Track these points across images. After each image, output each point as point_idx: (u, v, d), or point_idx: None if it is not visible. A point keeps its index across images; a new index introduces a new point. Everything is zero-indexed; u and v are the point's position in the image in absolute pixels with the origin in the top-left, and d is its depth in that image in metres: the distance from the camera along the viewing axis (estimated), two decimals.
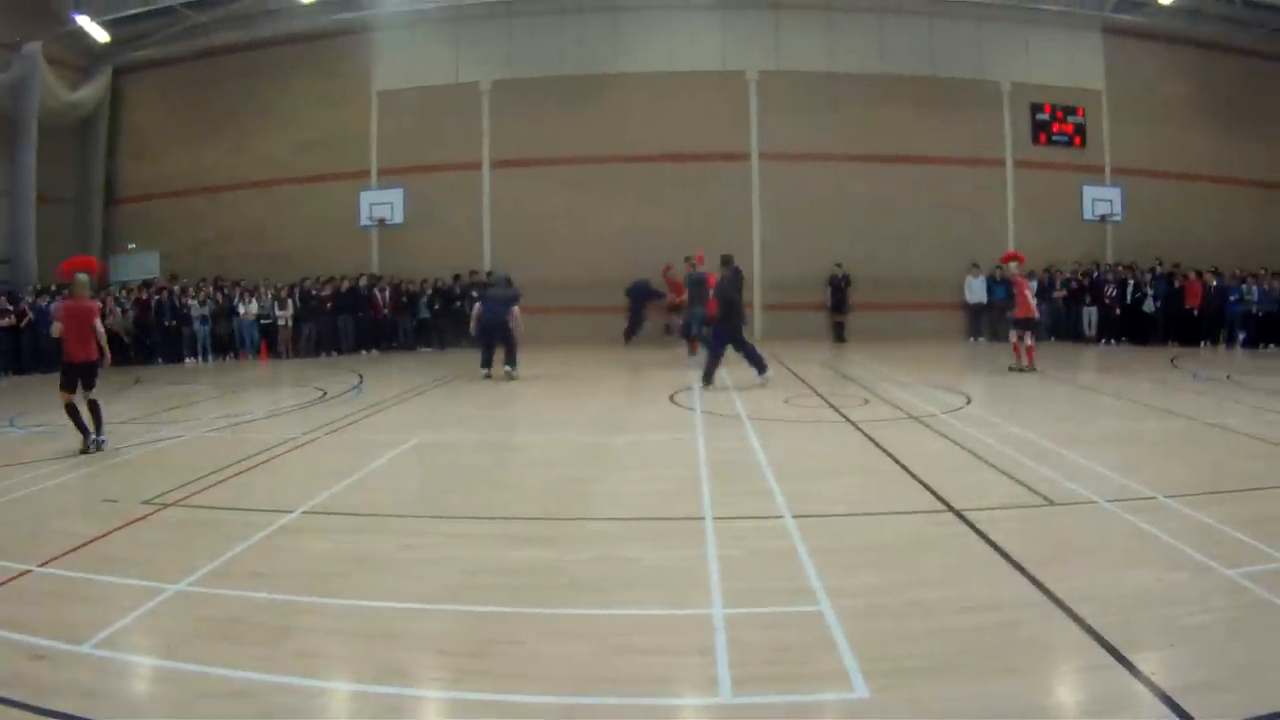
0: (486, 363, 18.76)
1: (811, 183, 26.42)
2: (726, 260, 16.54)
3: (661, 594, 5.88)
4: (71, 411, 11.52)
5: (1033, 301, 18.50)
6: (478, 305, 19.27)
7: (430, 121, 28.20)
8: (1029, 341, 18.23)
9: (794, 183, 26.43)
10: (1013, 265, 19.22)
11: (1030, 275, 21.93)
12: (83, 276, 11.98)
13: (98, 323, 11.68)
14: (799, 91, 26.54)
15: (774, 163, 26.70)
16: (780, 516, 7.51)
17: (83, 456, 11.31)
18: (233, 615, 5.79)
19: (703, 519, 7.55)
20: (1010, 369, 18.08)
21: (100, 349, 11.74)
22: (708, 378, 15.87)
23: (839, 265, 25.76)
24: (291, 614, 5.81)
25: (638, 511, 8.00)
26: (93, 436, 11.51)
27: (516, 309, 18.62)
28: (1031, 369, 17.91)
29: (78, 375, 11.55)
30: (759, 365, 15.96)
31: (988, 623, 5.17)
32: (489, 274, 21.30)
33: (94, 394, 11.69)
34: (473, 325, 19.18)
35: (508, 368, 18.48)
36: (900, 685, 4.38)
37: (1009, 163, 27.09)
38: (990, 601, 5.53)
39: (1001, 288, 25.09)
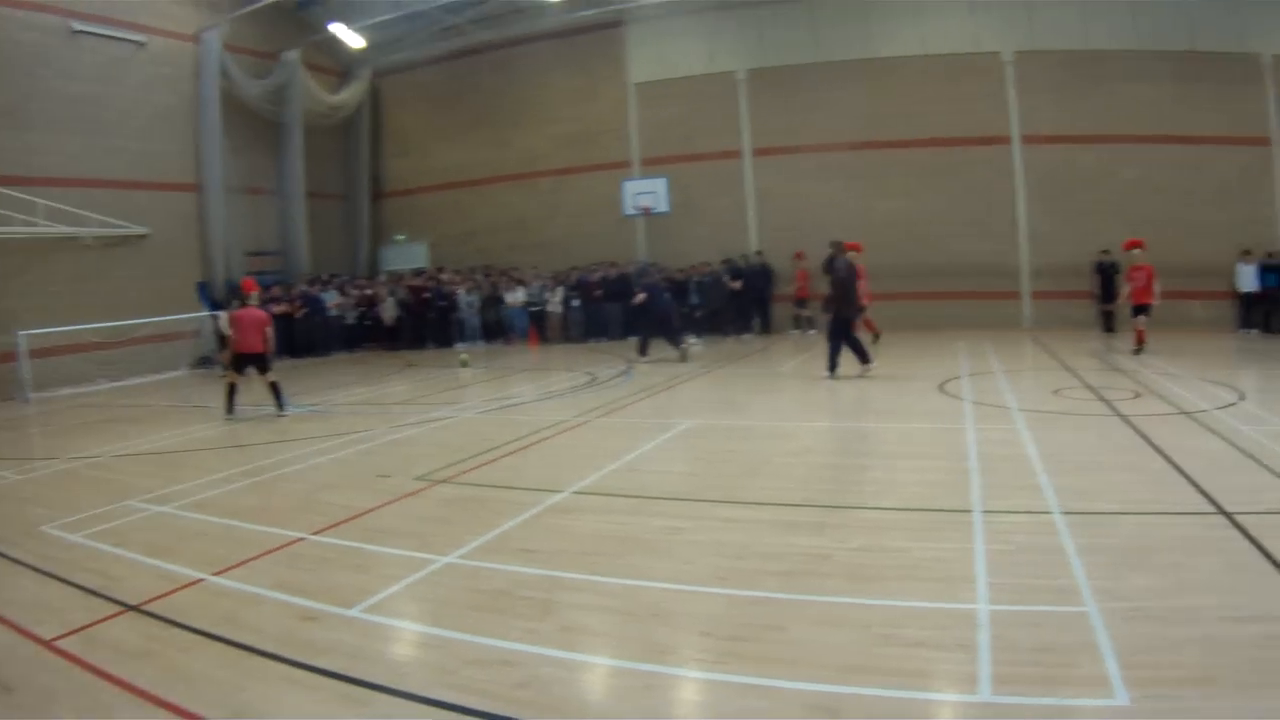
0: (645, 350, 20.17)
1: (1074, 165, 24.82)
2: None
3: (927, 586, 5.67)
4: (232, 390, 14.91)
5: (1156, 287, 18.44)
6: (641, 296, 20.23)
7: (689, 111, 28.53)
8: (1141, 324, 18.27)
9: (1056, 165, 24.91)
10: (1137, 251, 18.32)
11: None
12: (255, 294, 15.48)
13: (268, 328, 15.07)
14: (1056, 71, 24.95)
15: (1035, 145, 25.35)
16: (1049, 512, 7.12)
17: (357, 435, 12.27)
18: (500, 588, 5.97)
19: (971, 512, 7.25)
20: (1134, 353, 17.98)
21: (266, 343, 14.97)
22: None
23: (1105, 251, 24.23)
24: (558, 589, 5.92)
25: (906, 501, 7.72)
26: (275, 410, 14.86)
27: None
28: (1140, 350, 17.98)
29: (247, 363, 14.98)
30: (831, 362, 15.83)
31: (1256, 635, 4.80)
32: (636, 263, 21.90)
33: (271, 377, 15.06)
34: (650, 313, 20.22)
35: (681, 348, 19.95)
36: (1161, 695, 4.19)
37: (1275, 140, 24.69)
38: (1260, 612, 5.10)
39: (1274, 275, 23.06)
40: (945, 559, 6.15)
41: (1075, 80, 24.53)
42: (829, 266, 15.97)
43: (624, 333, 25.79)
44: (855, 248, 19.95)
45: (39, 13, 22.15)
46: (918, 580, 5.77)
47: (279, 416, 14.52)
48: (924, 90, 25.70)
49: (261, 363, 14.98)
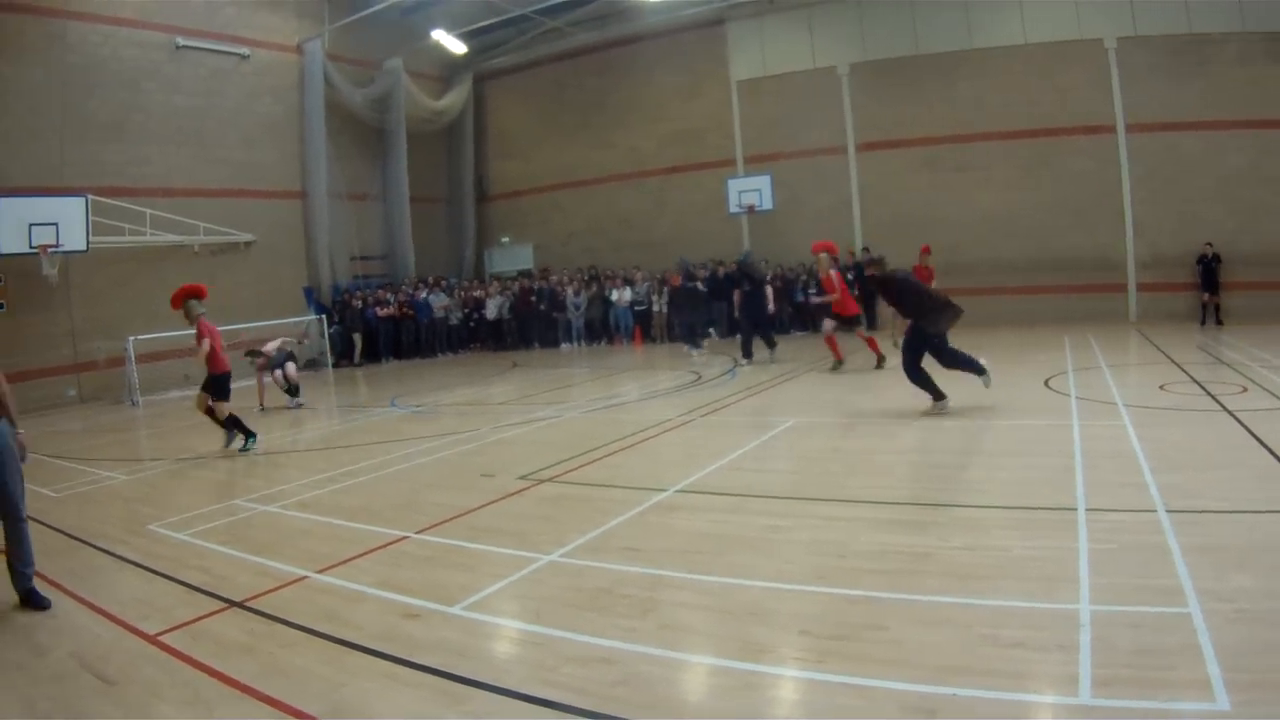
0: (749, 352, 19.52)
1: (1179, 153, 24.00)
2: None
3: (1029, 586, 5.55)
4: (234, 421, 12.72)
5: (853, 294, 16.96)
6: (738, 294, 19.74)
7: (792, 107, 28.63)
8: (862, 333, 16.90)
9: (1161, 153, 24.13)
10: (824, 256, 16.68)
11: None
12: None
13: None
14: (1160, 56, 24.21)
15: (1140, 133, 24.65)
16: (1154, 510, 6.91)
17: (462, 435, 12.50)
18: (602, 586, 5.99)
19: (1075, 510, 7.07)
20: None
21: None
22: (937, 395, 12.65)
23: (1209, 244, 23.44)
24: (660, 588, 5.91)
25: (1010, 499, 7.55)
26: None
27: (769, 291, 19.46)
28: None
29: (228, 385, 12.84)
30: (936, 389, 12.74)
31: None
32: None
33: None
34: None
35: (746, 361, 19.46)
36: (1264, 700, 4.05)
37: None
38: None
39: None
40: (1048, 558, 6.02)
41: (1179, 65, 23.86)
42: (881, 282, 12.92)
43: (730, 330, 25.76)
44: (924, 249, 19.52)
45: (143, 30, 23.08)
46: (1019, 579, 5.67)
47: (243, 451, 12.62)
48: (1026, 80, 25.39)
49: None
